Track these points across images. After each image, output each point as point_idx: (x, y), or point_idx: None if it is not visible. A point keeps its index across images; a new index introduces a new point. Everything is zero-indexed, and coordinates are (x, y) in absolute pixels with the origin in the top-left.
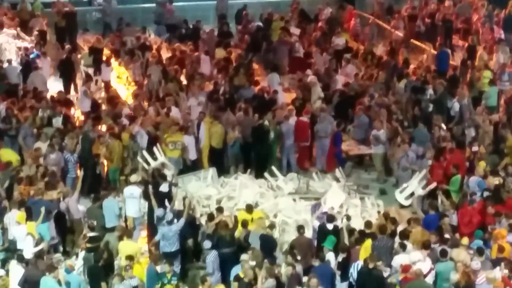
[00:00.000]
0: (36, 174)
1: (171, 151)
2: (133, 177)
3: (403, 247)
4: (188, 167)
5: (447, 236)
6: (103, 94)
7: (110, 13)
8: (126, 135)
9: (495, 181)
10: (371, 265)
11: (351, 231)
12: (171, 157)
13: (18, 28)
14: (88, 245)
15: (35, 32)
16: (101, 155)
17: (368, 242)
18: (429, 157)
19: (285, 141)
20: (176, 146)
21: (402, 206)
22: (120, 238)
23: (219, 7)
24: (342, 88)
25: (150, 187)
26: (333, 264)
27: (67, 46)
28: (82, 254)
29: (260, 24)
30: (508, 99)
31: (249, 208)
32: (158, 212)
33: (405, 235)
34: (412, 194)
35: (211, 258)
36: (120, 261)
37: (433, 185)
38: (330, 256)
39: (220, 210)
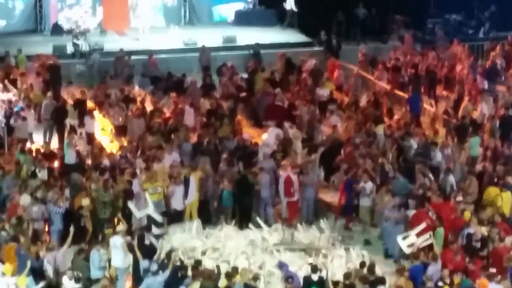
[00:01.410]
0: (21, 226)
1: (152, 195)
2: (119, 227)
3: None
4: (172, 218)
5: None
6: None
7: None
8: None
9: (483, 230)
10: None
11: (335, 282)
12: (152, 200)
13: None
14: None
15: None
16: (84, 207)
17: None
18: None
19: (262, 193)
20: (156, 190)
21: (386, 257)
22: None
23: (202, 59)
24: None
25: (135, 238)
26: None
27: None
28: None
29: (245, 76)
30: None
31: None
32: (144, 263)
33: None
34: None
35: None
36: None
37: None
38: None
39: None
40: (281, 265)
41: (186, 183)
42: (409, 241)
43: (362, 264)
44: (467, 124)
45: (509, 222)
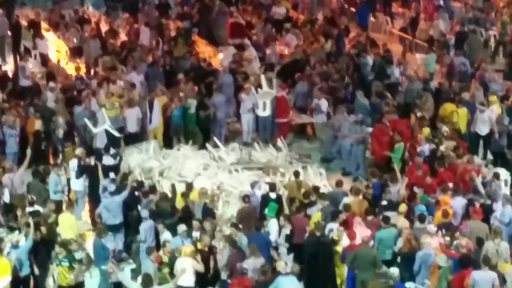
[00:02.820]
0: None
1: (110, 111)
2: (77, 150)
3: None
4: (129, 139)
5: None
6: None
7: None
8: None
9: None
10: (318, 233)
11: (292, 199)
12: (109, 116)
13: None
14: (29, 220)
15: None
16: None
17: (318, 214)
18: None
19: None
20: (113, 106)
21: (344, 174)
22: (60, 211)
23: None
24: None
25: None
26: (275, 230)
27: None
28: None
29: None
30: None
31: (190, 189)
32: (104, 182)
33: (345, 206)
34: None
35: (145, 226)
36: (61, 235)
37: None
38: (272, 222)
39: (152, 188)
40: (253, 184)
41: (151, 107)
42: None
43: (296, 174)
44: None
45: (464, 137)
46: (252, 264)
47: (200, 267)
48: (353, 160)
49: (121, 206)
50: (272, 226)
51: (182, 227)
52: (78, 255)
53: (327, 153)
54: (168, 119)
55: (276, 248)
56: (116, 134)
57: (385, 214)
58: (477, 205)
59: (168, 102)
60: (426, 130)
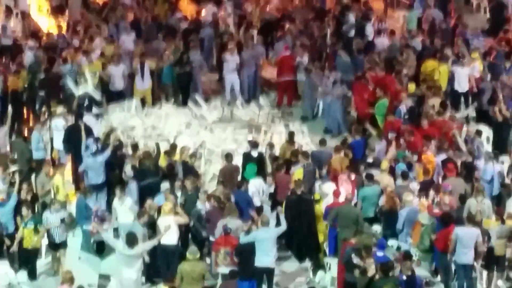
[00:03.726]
0: None
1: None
2: (59, 109)
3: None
4: (112, 97)
5: (370, 160)
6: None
7: None
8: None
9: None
10: (299, 191)
11: (275, 158)
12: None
13: None
14: (12, 179)
15: None
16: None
17: (300, 171)
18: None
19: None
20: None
21: (326, 132)
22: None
23: None
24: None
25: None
26: (254, 191)
27: None
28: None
29: None
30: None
31: (173, 148)
32: (87, 141)
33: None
34: None
35: (131, 186)
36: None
37: None
38: (251, 184)
39: (135, 147)
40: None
41: (142, 68)
42: None
43: (291, 135)
44: None
45: (445, 95)
46: (229, 223)
47: (184, 220)
48: (332, 118)
49: (104, 165)
50: (251, 187)
51: (165, 185)
52: (60, 215)
53: (307, 111)
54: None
55: (260, 207)
56: (98, 98)
57: (368, 172)
58: (459, 162)
59: (159, 64)
60: (412, 87)
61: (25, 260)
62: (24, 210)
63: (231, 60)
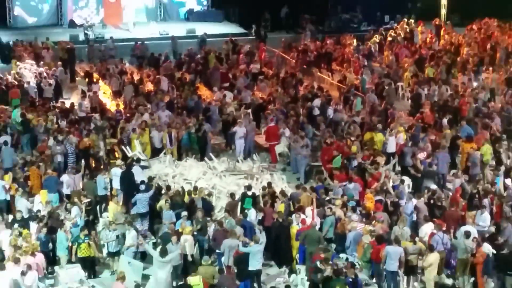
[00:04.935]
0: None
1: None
2: (118, 162)
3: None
4: (154, 152)
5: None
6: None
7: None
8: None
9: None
10: (280, 219)
11: (263, 195)
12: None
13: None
14: (82, 207)
15: (47, 61)
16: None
17: (282, 206)
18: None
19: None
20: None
21: (298, 179)
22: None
23: (172, 45)
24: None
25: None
26: (253, 217)
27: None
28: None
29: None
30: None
31: (195, 189)
32: (140, 186)
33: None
34: None
35: (166, 214)
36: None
37: None
38: (251, 212)
39: (168, 188)
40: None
41: (170, 135)
42: None
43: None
44: (353, 91)
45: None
46: (229, 242)
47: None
48: (300, 169)
49: (148, 200)
50: (251, 214)
51: (184, 213)
52: (116, 233)
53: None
54: (179, 142)
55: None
56: (143, 157)
57: (328, 206)
58: (389, 201)
59: (181, 131)
60: (354, 148)
61: (83, 265)
62: (86, 230)
63: (240, 130)
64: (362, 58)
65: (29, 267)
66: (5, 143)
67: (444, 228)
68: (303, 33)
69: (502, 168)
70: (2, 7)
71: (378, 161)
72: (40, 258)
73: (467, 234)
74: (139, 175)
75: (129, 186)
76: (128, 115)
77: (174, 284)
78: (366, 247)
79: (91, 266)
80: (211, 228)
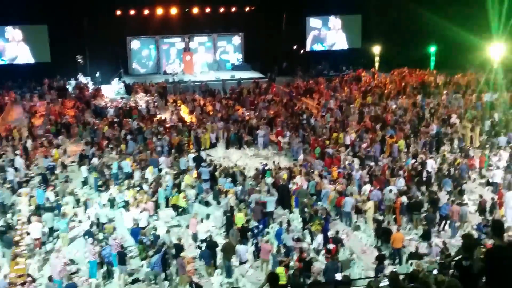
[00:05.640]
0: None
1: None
2: (192, 150)
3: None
4: (211, 145)
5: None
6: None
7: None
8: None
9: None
10: (284, 183)
11: (274, 169)
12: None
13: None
14: (173, 176)
15: (152, 93)
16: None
17: (285, 175)
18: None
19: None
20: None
21: (295, 160)
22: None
23: (222, 84)
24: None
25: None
26: (268, 181)
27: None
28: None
29: (238, 90)
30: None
31: (235, 166)
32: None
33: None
34: None
35: (223, 181)
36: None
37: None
38: (269, 179)
39: (220, 165)
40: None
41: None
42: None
43: (278, 164)
44: (325, 109)
45: (343, 145)
46: (255, 195)
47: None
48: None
49: (208, 173)
50: (267, 180)
51: (229, 179)
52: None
53: (289, 154)
54: (228, 139)
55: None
56: (204, 155)
57: (311, 176)
58: (346, 172)
59: (229, 133)
60: (327, 142)
61: (174, 208)
62: (176, 189)
63: (260, 132)
64: (330, 91)
65: (144, 209)
66: (130, 139)
67: (377, 187)
68: (296, 77)
69: (411, 153)
70: (125, 63)
71: (340, 150)
72: (150, 205)
73: (391, 190)
74: (204, 157)
75: (198, 164)
76: (197, 124)
77: (224, 218)
78: (333, 198)
79: (178, 209)
80: (245, 188)
